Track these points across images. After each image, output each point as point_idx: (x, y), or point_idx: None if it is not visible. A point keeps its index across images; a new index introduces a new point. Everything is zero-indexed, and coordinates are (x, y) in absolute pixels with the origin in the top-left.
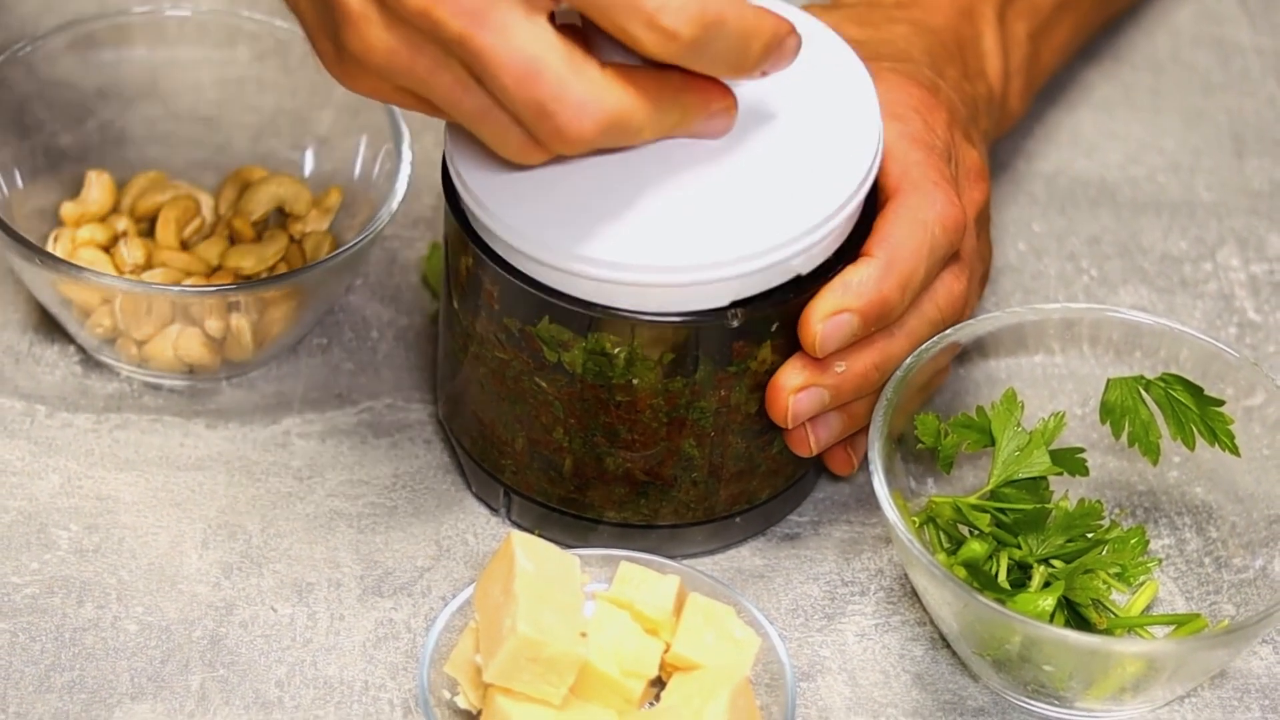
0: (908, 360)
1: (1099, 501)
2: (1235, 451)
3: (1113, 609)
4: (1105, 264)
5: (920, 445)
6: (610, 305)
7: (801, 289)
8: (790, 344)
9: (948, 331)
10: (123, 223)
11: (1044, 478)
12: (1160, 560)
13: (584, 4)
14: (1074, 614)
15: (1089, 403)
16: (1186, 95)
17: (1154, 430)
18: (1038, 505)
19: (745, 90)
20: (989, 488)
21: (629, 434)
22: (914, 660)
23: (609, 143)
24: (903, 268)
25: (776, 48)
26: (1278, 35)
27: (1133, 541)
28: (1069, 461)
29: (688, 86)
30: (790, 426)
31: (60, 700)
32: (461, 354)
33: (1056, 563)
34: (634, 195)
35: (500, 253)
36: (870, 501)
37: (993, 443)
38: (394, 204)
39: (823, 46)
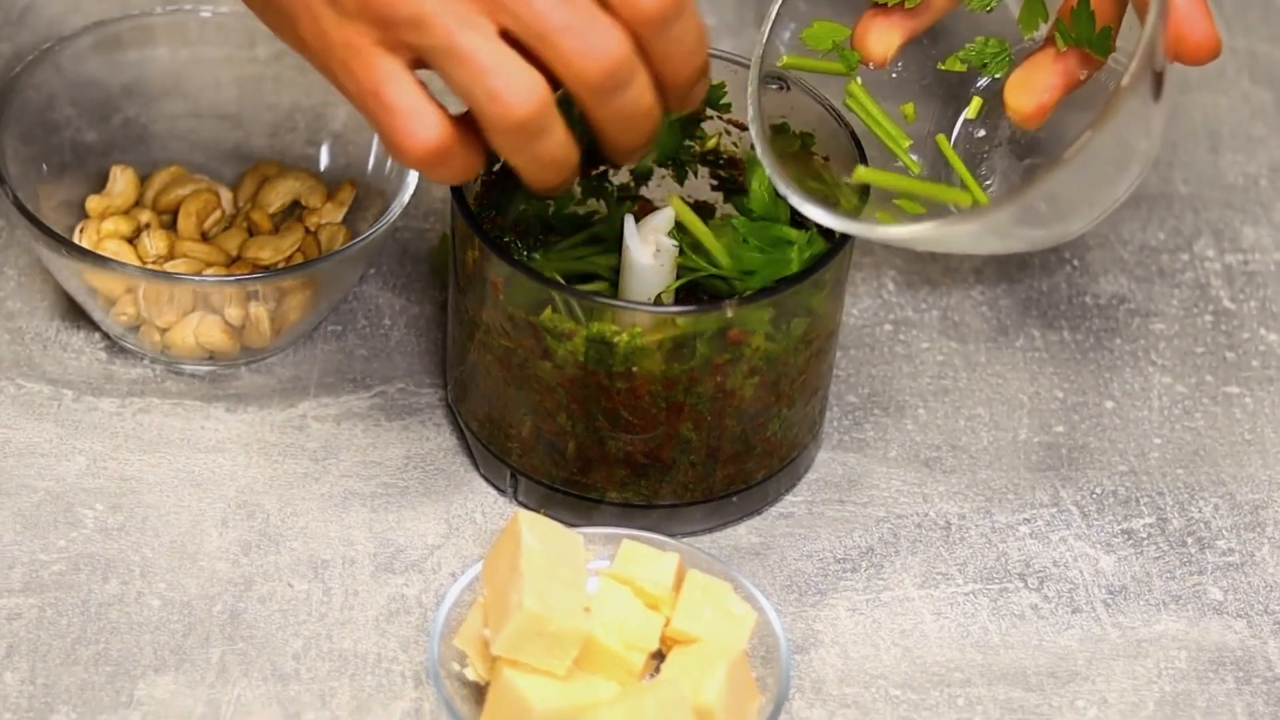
0: None
1: None
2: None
3: None
4: (1087, 254)
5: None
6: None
7: (793, 281)
8: (783, 332)
9: None
10: (146, 215)
11: None
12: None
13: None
14: None
15: None
16: None
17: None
18: None
19: None
20: None
21: (629, 418)
22: (903, 634)
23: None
24: None
25: None
26: (1251, 36)
27: None
28: None
29: None
30: None
31: (86, 672)
32: (469, 342)
33: None
34: None
35: None
36: (862, 482)
37: None
38: (405, 197)
39: None
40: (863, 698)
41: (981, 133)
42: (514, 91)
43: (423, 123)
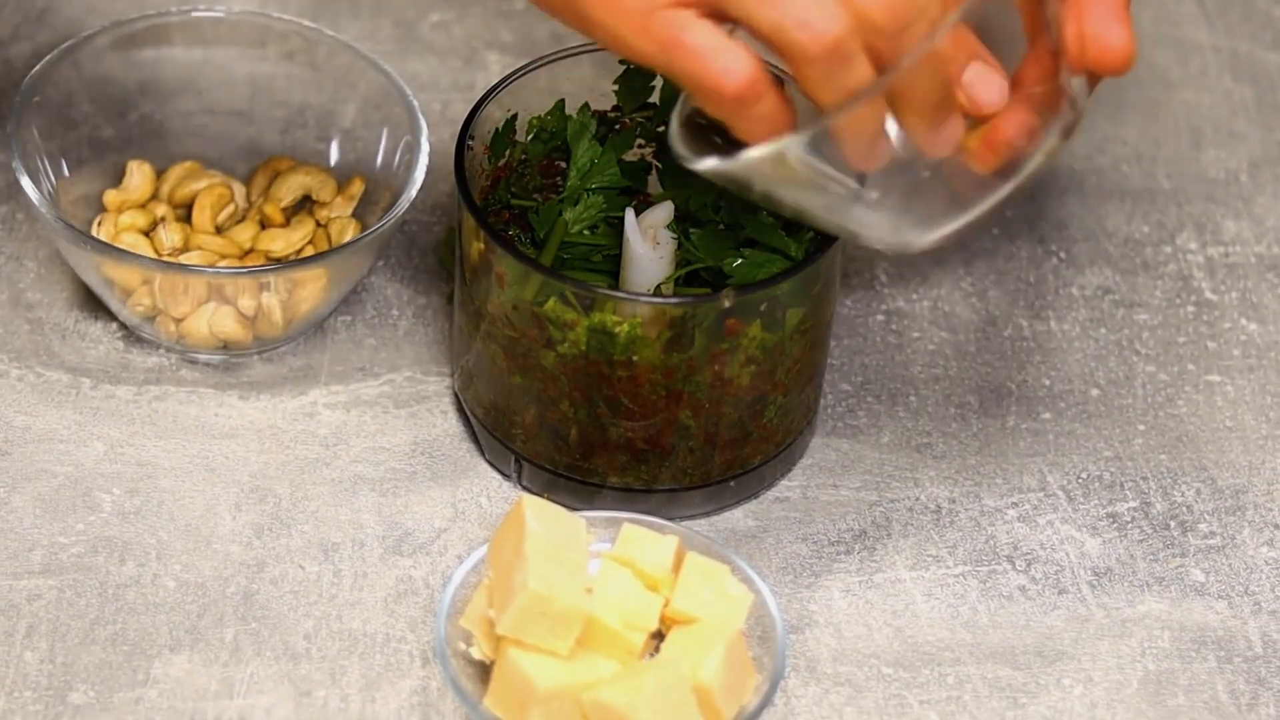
0: None
1: None
2: None
3: None
4: (1073, 247)
5: None
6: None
7: (788, 273)
8: (779, 322)
9: None
10: (161, 209)
11: None
12: None
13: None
14: None
15: None
16: (1148, 90)
17: None
18: None
19: None
20: None
21: (630, 406)
22: (895, 614)
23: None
24: None
25: None
26: (1232, 35)
27: None
28: None
29: None
30: None
31: (104, 651)
32: (474, 331)
33: None
34: None
35: None
36: (855, 467)
37: None
38: (413, 191)
39: None
40: (856, 676)
41: (926, 174)
42: (823, 16)
43: (733, 57)
